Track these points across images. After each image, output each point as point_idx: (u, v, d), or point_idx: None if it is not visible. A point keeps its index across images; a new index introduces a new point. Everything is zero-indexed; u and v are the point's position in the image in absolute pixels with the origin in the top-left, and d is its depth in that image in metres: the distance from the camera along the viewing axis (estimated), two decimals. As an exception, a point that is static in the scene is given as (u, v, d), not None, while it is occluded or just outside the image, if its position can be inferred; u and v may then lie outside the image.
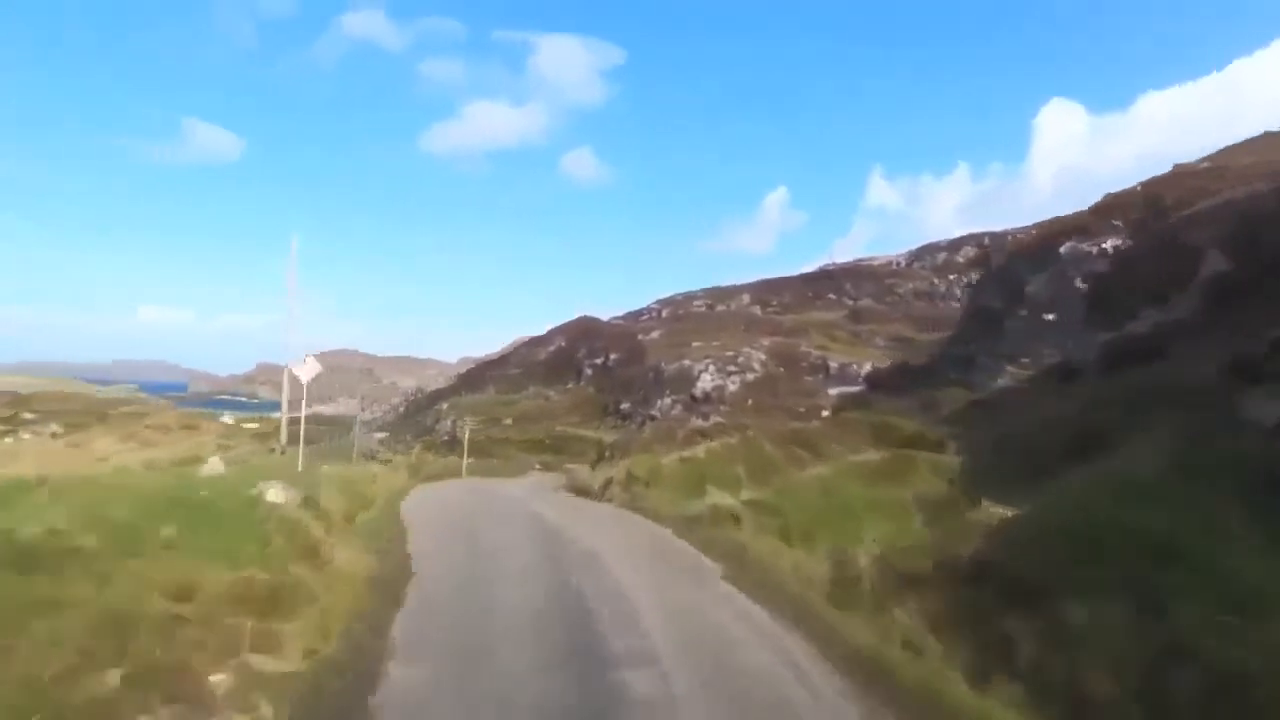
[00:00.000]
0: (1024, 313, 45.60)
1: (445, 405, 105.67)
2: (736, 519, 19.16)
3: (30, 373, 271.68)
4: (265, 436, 50.49)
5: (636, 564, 17.26)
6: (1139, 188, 50.39)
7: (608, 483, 26.06)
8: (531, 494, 28.97)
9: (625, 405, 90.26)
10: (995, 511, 16.35)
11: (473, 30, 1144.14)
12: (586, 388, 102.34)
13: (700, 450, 26.86)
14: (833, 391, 74.76)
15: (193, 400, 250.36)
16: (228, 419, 52.15)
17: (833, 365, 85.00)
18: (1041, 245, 51.77)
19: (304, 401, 29.80)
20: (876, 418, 27.65)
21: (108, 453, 30.91)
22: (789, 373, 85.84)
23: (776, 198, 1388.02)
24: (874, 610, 13.42)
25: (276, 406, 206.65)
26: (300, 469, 21.76)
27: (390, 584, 15.23)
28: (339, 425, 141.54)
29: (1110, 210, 48.41)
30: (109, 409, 32.86)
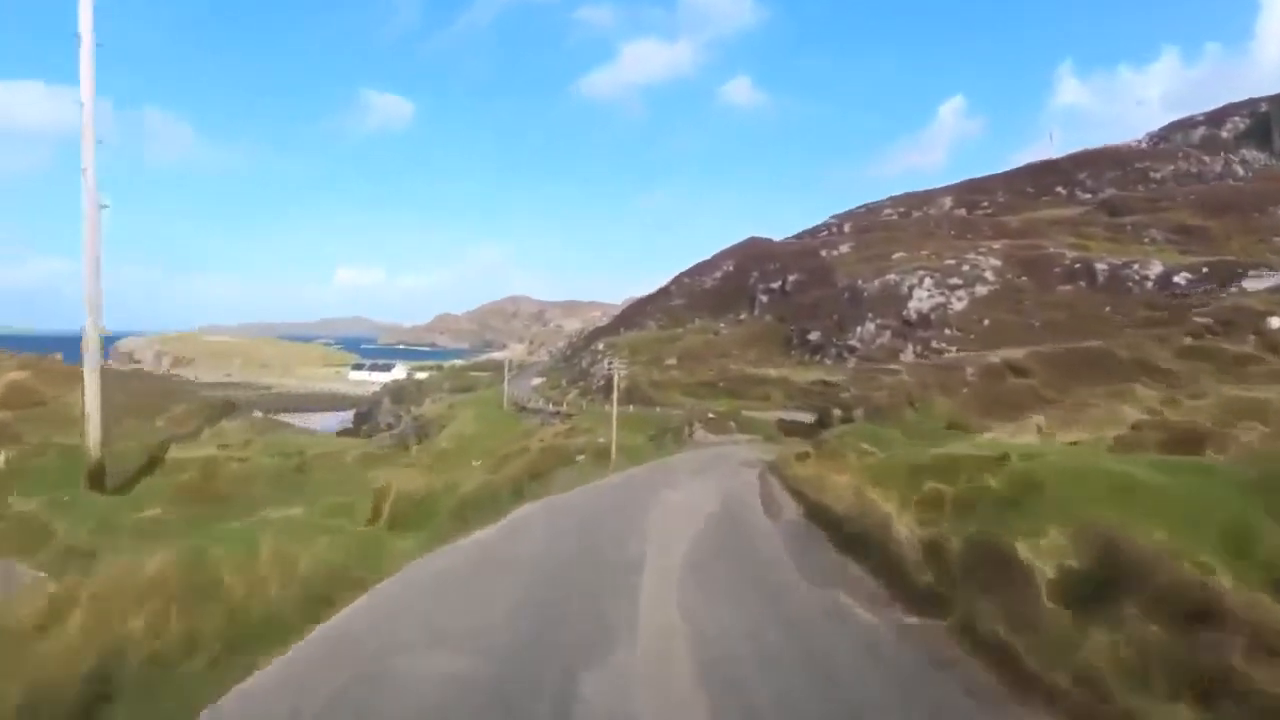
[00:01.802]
0: None
1: (601, 345, 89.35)
2: None
3: (247, 333, 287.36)
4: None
5: None
6: None
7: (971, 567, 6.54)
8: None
9: (814, 335, 70.07)
10: None
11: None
12: (762, 317, 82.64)
13: None
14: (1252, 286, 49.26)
15: (382, 352, 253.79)
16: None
17: (1100, 268, 60.37)
18: None
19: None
20: None
21: None
22: (1036, 282, 62.14)
23: (952, 106, 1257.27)
24: None
25: (453, 354, 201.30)
26: None
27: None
28: (510, 370, 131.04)
29: None
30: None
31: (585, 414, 67.09)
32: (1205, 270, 53.54)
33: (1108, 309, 55.11)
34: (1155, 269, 57.09)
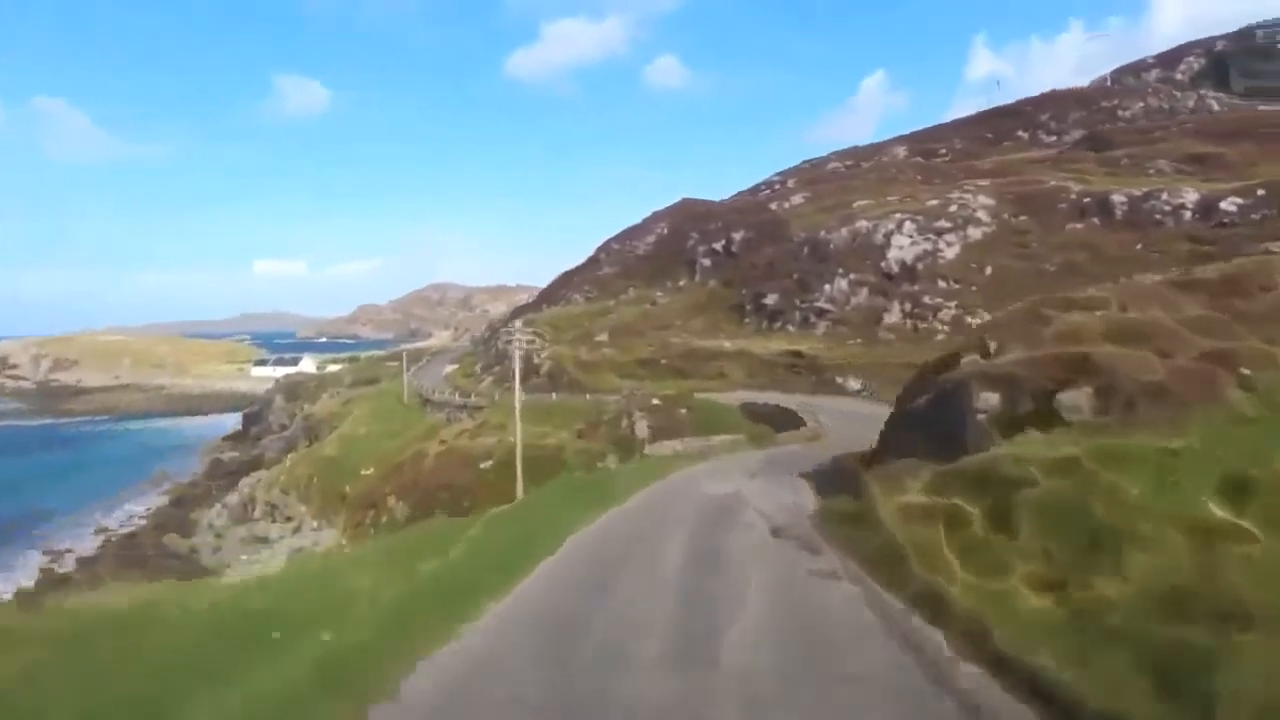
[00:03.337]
0: None
1: (519, 323, 73.95)
2: None
3: (153, 333, 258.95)
4: None
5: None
6: None
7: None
8: None
9: (770, 299, 56.55)
10: None
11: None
12: (705, 283, 68.89)
13: None
14: None
15: (297, 346, 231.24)
16: None
17: (1117, 200, 48.35)
18: None
19: None
20: None
21: None
22: (1040, 221, 49.83)
23: (874, 81, 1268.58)
24: None
25: (375, 345, 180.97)
26: None
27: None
28: (423, 358, 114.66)
29: None
30: None
31: (497, 406, 52.44)
32: (1261, 193, 41.88)
33: (1139, 246, 43.19)
34: (1190, 197, 45.38)
